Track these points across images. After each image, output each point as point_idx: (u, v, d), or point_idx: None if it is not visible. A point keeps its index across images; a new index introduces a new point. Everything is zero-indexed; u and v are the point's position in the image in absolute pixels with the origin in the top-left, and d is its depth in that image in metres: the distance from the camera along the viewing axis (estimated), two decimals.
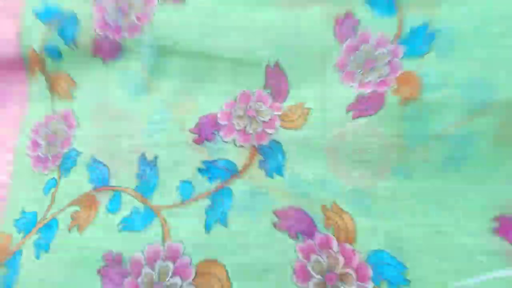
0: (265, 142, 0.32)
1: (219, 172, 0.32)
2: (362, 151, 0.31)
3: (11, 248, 0.34)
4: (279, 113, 0.33)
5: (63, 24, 0.37)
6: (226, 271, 0.29)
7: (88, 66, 0.37)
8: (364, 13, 0.33)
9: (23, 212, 0.35)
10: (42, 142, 0.37)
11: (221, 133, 0.33)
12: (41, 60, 0.38)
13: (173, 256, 0.30)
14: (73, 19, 0.37)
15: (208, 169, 0.32)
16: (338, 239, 0.29)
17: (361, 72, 0.32)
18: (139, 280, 0.30)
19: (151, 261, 0.30)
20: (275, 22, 0.34)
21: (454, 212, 0.29)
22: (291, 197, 0.31)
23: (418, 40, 0.32)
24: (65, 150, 0.36)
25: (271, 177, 0.31)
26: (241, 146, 0.32)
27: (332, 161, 0.31)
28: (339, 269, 0.29)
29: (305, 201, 0.31)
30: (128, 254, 0.31)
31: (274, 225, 0.30)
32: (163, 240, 0.31)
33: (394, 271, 0.28)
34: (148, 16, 0.36)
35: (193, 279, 0.29)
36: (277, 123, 0.32)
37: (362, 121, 0.31)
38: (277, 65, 0.34)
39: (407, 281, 0.28)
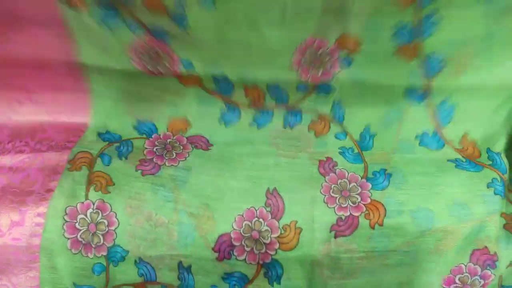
0: (268, 260, 0.42)
1: (236, 280, 0.43)
2: (340, 262, 0.42)
3: None
4: (277, 234, 0.42)
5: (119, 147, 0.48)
6: None
7: (129, 179, 0.45)
8: (339, 159, 0.46)
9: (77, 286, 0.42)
10: (81, 228, 0.42)
11: (236, 253, 0.43)
12: (92, 160, 0.46)
13: None
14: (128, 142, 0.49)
15: (228, 277, 0.43)
16: None
17: (339, 198, 0.44)
18: None
19: None
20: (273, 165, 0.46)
21: None
22: None
23: (380, 178, 0.45)
24: (110, 245, 0.42)
25: (272, 285, 0.42)
26: (250, 263, 0.43)
27: (319, 269, 0.42)
28: None
29: None
30: None
31: None
32: None
33: None
34: None
35: None
36: (276, 246, 0.42)
37: (341, 240, 0.42)
38: (275, 189, 0.45)
39: None
